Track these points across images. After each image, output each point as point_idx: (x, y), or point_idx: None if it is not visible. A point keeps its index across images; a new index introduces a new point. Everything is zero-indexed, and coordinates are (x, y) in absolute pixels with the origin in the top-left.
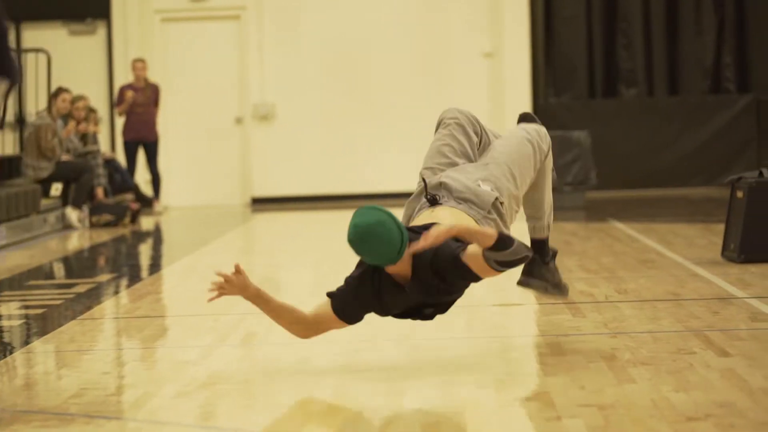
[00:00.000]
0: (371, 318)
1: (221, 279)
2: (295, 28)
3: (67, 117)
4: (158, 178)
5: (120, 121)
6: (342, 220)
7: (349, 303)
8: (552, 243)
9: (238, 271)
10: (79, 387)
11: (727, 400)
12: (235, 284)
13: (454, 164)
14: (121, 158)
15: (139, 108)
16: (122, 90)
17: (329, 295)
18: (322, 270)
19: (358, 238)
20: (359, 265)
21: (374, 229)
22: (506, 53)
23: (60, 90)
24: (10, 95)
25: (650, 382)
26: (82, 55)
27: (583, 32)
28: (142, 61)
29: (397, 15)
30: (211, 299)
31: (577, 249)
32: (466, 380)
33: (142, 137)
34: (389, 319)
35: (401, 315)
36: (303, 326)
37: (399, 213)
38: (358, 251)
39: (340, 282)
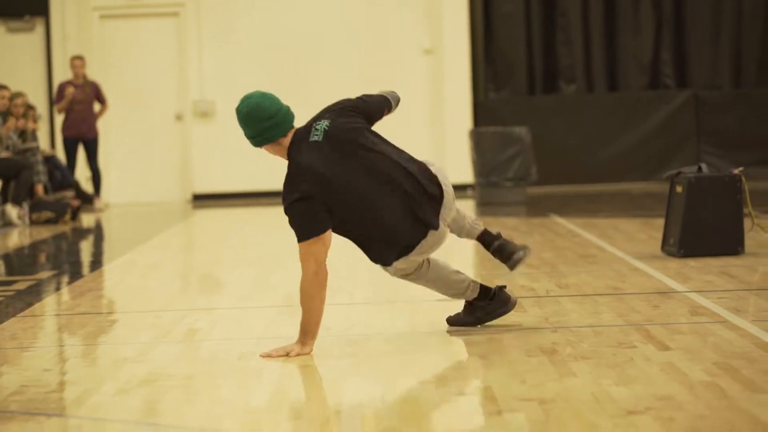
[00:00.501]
0: None
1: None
2: (234, 24)
3: (5, 114)
4: (98, 175)
5: (59, 118)
6: (280, 216)
7: (314, 217)
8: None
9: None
10: (20, 384)
11: (666, 394)
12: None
13: None
14: (60, 155)
15: (79, 105)
16: (62, 86)
17: (305, 236)
18: (262, 266)
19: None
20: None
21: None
22: (446, 49)
23: None
24: None
25: (591, 376)
26: (20, 52)
27: (522, 28)
28: (80, 58)
29: (337, 11)
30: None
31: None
32: (407, 375)
33: (82, 134)
34: (328, 313)
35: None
36: (323, 275)
37: None
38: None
39: (281, 279)
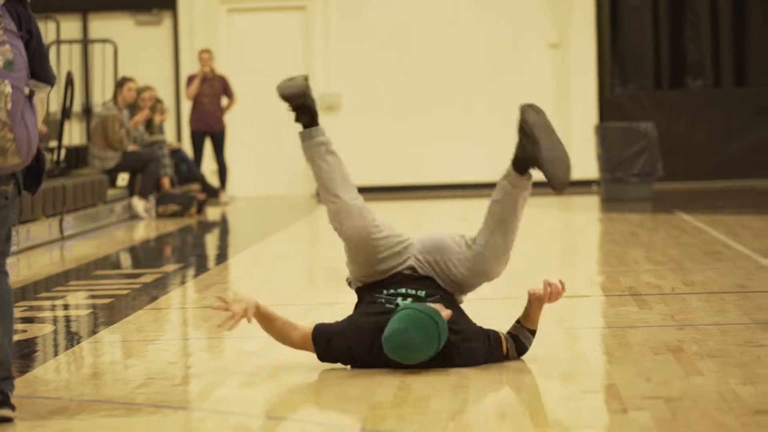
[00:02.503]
0: None
1: (223, 305)
2: (360, 18)
3: (133, 107)
4: (224, 169)
5: (186, 112)
6: (406, 210)
7: (337, 347)
8: (617, 235)
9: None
10: (146, 377)
11: None
12: (241, 306)
13: None
14: (187, 148)
15: (206, 98)
16: (190, 79)
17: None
18: None
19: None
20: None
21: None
22: (572, 44)
23: (125, 79)
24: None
25: (717, 375)
26: (148, 45)
27: (649, 23)
28: (208, 52)
29: (464, 4)
30: (227, 328)
31: (643, 240)
32: (532, 372)
33: (209, 127)
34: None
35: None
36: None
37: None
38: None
39: None
